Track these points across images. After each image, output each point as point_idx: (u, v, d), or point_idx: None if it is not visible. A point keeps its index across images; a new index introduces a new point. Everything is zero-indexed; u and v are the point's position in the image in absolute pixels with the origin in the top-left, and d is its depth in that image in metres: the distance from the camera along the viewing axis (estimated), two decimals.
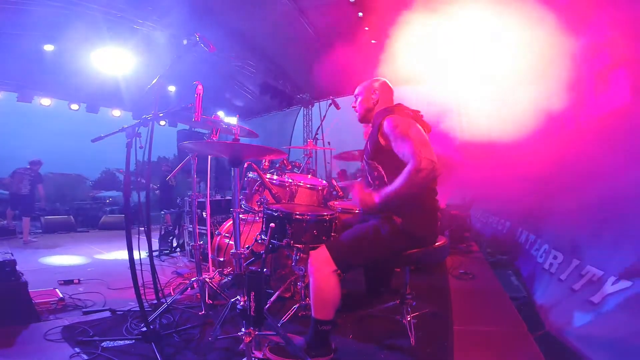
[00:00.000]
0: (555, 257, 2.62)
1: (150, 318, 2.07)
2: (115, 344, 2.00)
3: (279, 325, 2.14)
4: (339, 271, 1.75)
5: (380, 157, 1.89)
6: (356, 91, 2.13)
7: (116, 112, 9.47)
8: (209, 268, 3.09)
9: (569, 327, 1.94)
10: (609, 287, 1.82)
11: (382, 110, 1.99)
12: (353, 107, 2.15)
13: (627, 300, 1.66)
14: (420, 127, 1.83)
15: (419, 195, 1.83)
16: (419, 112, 1.96)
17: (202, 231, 3.78)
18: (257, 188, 2.56)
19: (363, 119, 2.10)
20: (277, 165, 3.28)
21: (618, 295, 1.74)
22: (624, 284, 1.73)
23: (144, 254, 2.34)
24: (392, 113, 1.87)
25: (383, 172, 1.88)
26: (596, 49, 2.39)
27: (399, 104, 2.00)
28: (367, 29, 6.25)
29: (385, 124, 1.81)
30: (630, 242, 1.89)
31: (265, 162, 2.79)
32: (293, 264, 2.31)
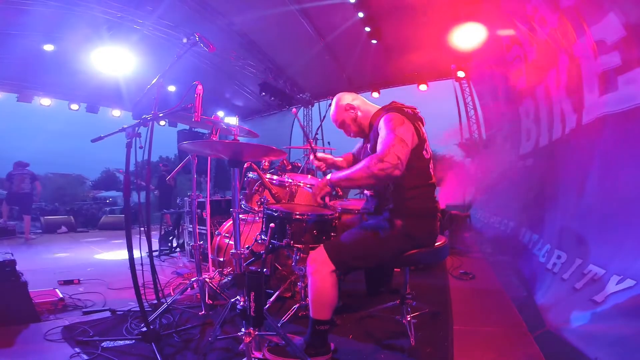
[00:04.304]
0: (559, 257, 2.62)
1: (150, 318, 2.07)
2: (115, 344, 1.99)
3: (279, 325, 2.14)
4: (337, 272, 1.75)
5: None
6: (337, 124, 2.11)
7: (116, 112, 9.48)
8: (209, 268, 3.09)
9: (570, 325, 1.95)
10: (613, 286, 1.82)
11: (379, 111, 1.97)
12: (349, 135, 2.13)
13: (632, 299, 1.66)
14: (414, 128, 1.80)
15: (417, 197, 1.83)
16: (415, 108, 1.96)
17: (202, 231, 3.78)
18: (257, 188, 2.56)
19: (364, 135, 2.08)
20: (277, 166, 3.28)
21: (622, 294, 1.74)
22: (628, 282, 1.73)
23: (144, 254, 2.34)
24: (391, 111, 1.86)
25: None
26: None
27: (394, 101, 1.99)
28: (367, 29, 6.26)
29: (381, 120, 1.80)
30: (633, 240, 1.88)
31: (265, 162, 2.79)
32: (293, 264, 2.31)
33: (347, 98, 2.06)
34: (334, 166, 2.34)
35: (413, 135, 1.77)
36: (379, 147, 1.69)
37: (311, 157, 2.34)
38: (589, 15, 2.51)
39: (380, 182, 1.67)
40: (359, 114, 2.03)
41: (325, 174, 2.32)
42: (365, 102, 2.07)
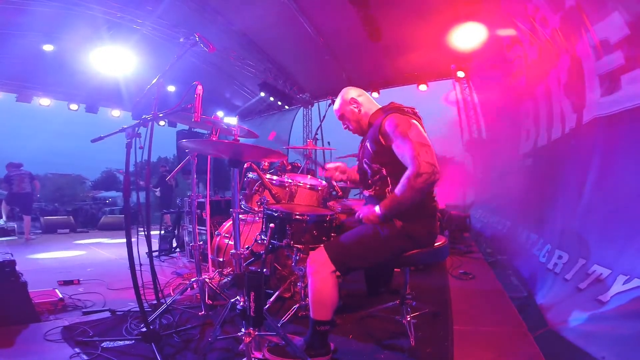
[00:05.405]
0: (560, 257, 2.62)
1: (150, 318, 2.07)
2: (115, 345, 2.00)
3: (279, 325, 2.13)
4: (337, 272, 1.75)
5: (382, 158, 1.85)
6: (337, 115, 2.12)
7: (115, 112, 9.47)
8: (208, 268, 3.09)
9: (574, 324, 1.94)
10: (619, 286, 1.82)
11: (378, 111, 1.97)
12: (346, 129, 2.13)
13: (637, 299, 1.66)
14: (419, 125, 1.83)
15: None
16: (414, 108, 1.96)
17: (202, 231, 3.77)
18: (257, 188, 2.56)
19: (362, 132, 2.08)
20: (277, 166, 3.28)
21: (628, 293, 1.74)
22: (636, 282, 1.73)
23: (144, 254, 2.34)
24: (392, 112, 1.85)
25: (386, 174, 1.85)
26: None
27: (393, 102, 1.99)
28: (367, 29, 6.24)
29: (386, 123, 1.80)
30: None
31: (265, 162, 2.79)
32: (293, 264, 2.31)
33: (353, 93, 2.06)
34: (346, 176, 2.28)
35: (423, 133, 1.78)
36: (405, 160, 1.70)
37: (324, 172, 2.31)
38: (592, 15, 2.51)
39: (426, 192, 1.71)
40: (362, 110, 2.03)
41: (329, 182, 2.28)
42: (370, 100, 2.07)
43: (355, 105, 2.03)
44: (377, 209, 1.75)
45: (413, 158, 1.64)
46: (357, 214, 1.85)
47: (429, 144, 1.72)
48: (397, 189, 1.70)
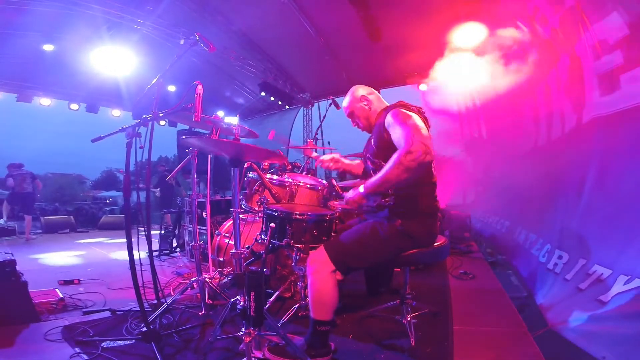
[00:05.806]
0: (560, 257, 2.62)
1: (150, 318, 2.07)
2: (116, 344, 2.00)
3: (279, 325, 2.14)
4: (337, 272, 1.75)
5: (386, 154, 1.81)
6: (346, 112, 2.12)
7: (116, 112, 9.47)
8: (209, 268, 3.09)
9: (574, 324, 1.95)
10: (620, 286, 1.82)
11: (385, 108, 1.98)
12: (355, 126, 2.14)
13: (638, 299, 1.66)
14: (421, 120, 1.83)
15: (418, 195, 1.82)
16: (421, 108, 1.96)
17: (202, 231, 3.77)
18: (257, 188, 2.56)
19: (370, 129, 2.08)
20: (277, 166, 3.28)
21: (629, 293, 1.74)
22: (637, 282, 1.73)
23: (144, 254, 2.34)
24: (397, 107, 1.86)
25: None
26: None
27: (401, 101, 1.99)
28: (367, 29, 6.24)
29: (388, 116, 1.81)
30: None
31: (265, 162, 2.79)
32: (293, 264, 2.31)
33: (363, 90, 2.07)
34: (340, 164, 2.32)
35: (423, 125, 1.76)
36: (399, 143, 1.66)
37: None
38: (592, 15, 2.51)
39: (415, 173, 1.60)
40: (372, 107, 2.04)
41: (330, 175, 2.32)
42: (380, 100, 2.08)
43: (365, 103, 2.04)
44: (360, 188, 1.71)
45: (407, 137, 1.61)
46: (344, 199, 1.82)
47: (426, 130, 1.69)
48: (385, 167, 1.63)
